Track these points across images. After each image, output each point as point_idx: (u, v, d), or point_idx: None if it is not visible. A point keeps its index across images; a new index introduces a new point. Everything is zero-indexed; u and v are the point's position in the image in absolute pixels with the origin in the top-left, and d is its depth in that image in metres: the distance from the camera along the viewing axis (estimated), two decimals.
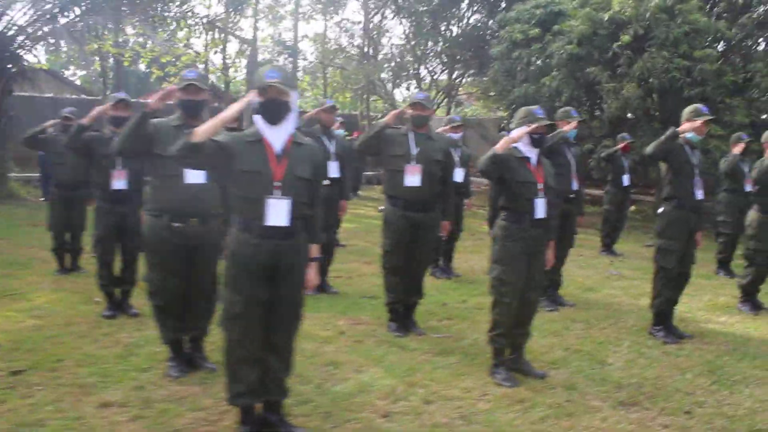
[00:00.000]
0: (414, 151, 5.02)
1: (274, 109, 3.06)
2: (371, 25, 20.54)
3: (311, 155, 3.24)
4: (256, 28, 17.67)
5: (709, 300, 6.66)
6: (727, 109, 11.67)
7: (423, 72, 20.61)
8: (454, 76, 20.62)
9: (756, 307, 6.31)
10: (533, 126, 4.14)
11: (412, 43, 19.61)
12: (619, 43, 11.88)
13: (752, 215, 6.35)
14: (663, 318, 5.34)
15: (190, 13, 18.23)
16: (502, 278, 4.19)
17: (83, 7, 13.40)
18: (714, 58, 11.57)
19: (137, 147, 3.91)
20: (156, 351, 4.32)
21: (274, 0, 21.28)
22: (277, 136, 3.11)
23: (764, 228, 6.21)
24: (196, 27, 18.08)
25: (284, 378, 3.31)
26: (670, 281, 5.25)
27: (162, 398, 3.69)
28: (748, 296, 6.36)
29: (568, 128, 5.93)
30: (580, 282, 7.25)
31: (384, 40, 21.32)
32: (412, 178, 5.01)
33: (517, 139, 4.15)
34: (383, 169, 5.40)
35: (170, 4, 16.74)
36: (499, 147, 4.13)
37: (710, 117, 5.19)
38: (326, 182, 5.30)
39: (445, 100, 20.88)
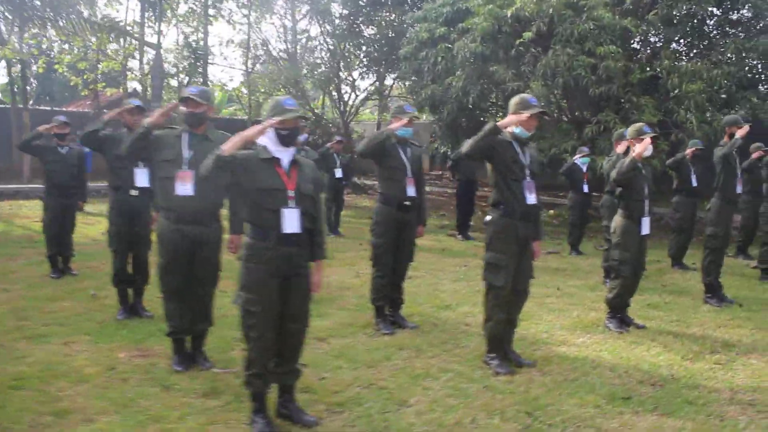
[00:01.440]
0: (186, 154, 4.19)
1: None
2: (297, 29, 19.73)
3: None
4: (160, 33, 16.62)
5: (576, 316, 5.91)
6: (634, 108, 11.12)
7: (353, 76, 19.85)
8: (384, 79, 19.92)
9: (623, 323, 5.58)
10: (276, 120, 3.32)
11: (331, 47, 18.80)
12: (522, 39, 11.25)
13: (616, 220, 5.65)
14: (497, 344, 4.55)
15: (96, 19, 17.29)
16: (249, 308, 3.35)
17: None
18: (619, 56, 11.01)
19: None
20: None
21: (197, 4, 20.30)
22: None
23: (629, 235, 5.52)
24: (101, 32, 16.99)
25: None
26: (501, 301, 4.44)
27: None
28: (616, 311, 5.62)
29: (397, 125, 5.15)
30: (442, 298, 6.46)
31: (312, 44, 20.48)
32: (184, 186, 4.17)
33: (256, 134, 3.33)
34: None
35: (70, 9, 15.79)
36: (230, 146, 3.30)
37: (540, 110, 4.44)
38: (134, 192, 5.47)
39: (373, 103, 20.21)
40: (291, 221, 3.32)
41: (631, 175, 5.23)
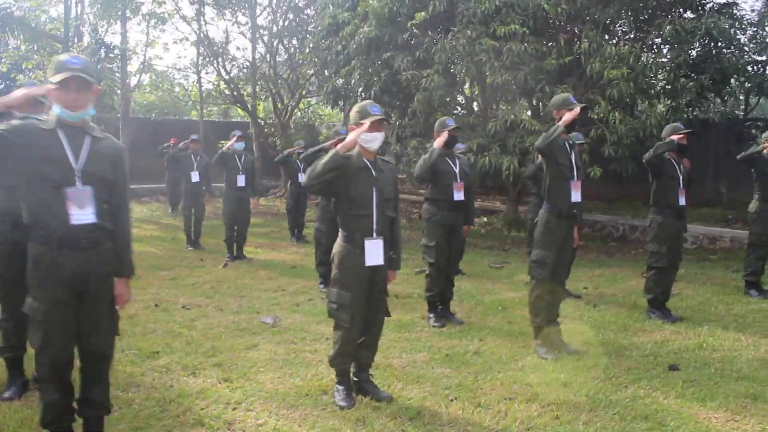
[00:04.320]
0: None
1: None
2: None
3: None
4: (67, 27, 15.14)
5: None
6: (547, 99, 9.44)
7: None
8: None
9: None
10: None
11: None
12: (414, 21, 9.66)
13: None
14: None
15: None
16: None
17: None
18: (529, 38, 9.36)
19: None
20: None
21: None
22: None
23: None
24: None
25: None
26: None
27: None
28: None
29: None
30: None
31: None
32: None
33: None
34: None
35: None
36: None
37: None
38: None
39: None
40: None
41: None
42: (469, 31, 9.41)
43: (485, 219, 12.81)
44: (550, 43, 9.95)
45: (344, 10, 11.43)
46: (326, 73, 11.82)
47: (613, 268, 8.59)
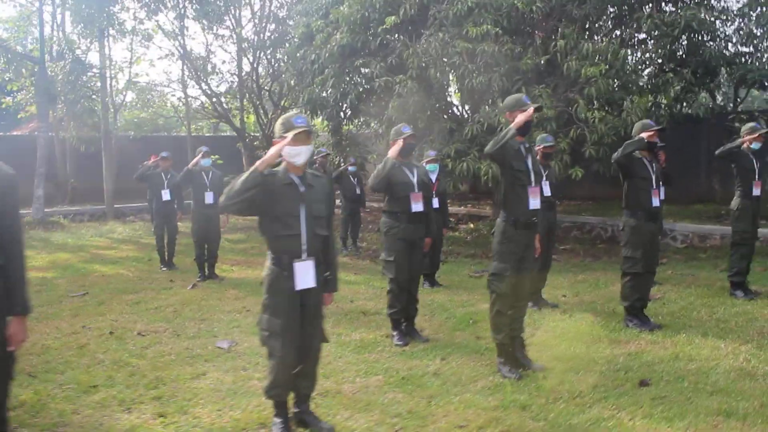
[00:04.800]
0: None
1: None
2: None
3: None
4: (43, 43, 14.88)
5: None
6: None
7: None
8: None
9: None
10: None
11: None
12: (385, 26, 9.41)
13: None
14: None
15: None
16: None
17: None
18: (504, 38, 9.10)
19: None
20: None
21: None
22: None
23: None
24: None
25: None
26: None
27: None
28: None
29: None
30: None
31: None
32: None
33: None
34: None
35: None
36: None
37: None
38: None
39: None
40: None
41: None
42: (441, 34, 9.16)
43: (471, 225, 12.53)
44: (528, 42, 9.66)
45: (318, 18, 11.20)
46: (303, 83, 11.55)
47: (597, 272, 8.30)
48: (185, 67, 17.80)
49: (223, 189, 8.57)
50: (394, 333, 5.31)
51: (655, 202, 5.43)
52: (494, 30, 8.82)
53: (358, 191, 10.27)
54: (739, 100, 12.76)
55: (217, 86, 17.69)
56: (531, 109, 4.21)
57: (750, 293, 6.53)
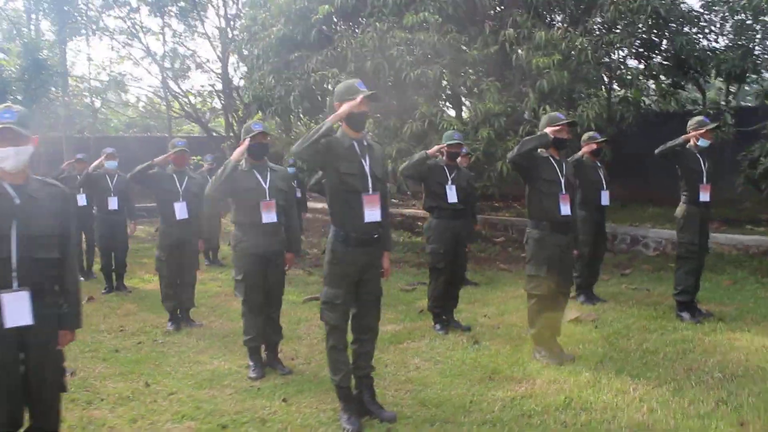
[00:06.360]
0: None
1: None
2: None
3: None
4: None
5: None
6: (474, 96, 8.33)
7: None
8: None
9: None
10: None
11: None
12: (318, 16, 8.62)
13: None
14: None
15: None
16: None
17: None
18: (448, 28, 8.24)
19: None
20: None
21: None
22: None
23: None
24: None
25: None
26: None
27: None
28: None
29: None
30: None
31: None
32: None
33: None
34: None
35: None
36: None
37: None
38: None
39: None
40: None
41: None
42: (379, 24, 8.34)
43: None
44: (477, 31, 8.77)
45: (263, 10, 10.47)
46: (250, 80, 10.81)
47: None
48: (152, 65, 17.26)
49: (128, 193, 7.82)
50: (250, 363, 4.52)
51: (564, 210, 4.53)
52: (433, 17, 7.97)
53: (298, 194, 9.48)
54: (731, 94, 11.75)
55: (181, 88, 17.00)
56: (360, 98, 3.36)
57: (699, 314, 5.61)
